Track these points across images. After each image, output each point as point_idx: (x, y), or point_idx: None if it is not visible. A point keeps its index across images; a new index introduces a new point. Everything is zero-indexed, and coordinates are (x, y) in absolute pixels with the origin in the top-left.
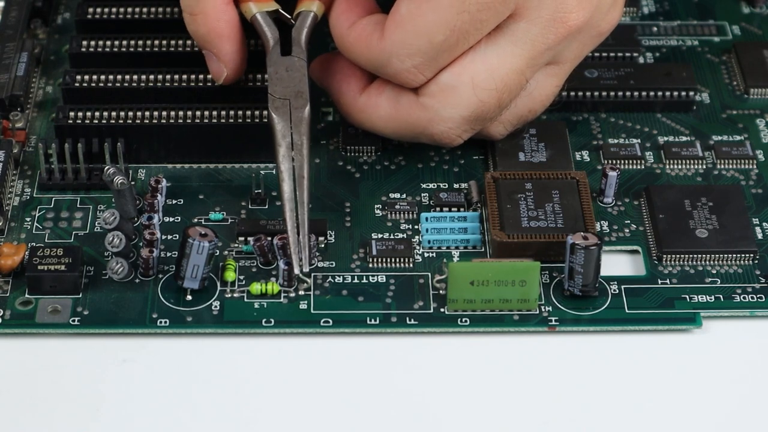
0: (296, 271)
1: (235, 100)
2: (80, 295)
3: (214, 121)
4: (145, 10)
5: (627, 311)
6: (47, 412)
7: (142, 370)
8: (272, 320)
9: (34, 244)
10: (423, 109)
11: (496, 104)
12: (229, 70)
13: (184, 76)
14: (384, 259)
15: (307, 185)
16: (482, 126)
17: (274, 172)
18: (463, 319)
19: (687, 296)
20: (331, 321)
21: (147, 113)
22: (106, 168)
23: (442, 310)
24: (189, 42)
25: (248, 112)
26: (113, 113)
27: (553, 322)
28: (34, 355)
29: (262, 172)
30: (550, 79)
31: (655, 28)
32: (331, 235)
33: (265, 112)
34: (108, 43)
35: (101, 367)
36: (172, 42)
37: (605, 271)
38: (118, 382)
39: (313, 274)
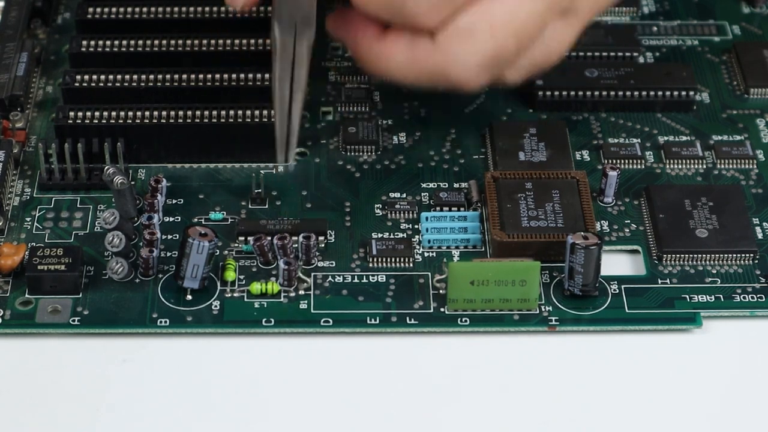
0: (279, 159)
1: (235, 100)
2: (80, 295)
3: (214, 120)
4: (145, 10)
5: (627, 311)
6: (47, 412)
7: (142, 370)
8: (272, 320)
9: (34, 244)
10: (441, 53)
11: (514, 48)
12: None
13: (184, 76)
14: (384, 259)
15: (302, 98)
16: (500, 71)
17: (273, 171)
18: (463, 319)
19: (687, 296)
20: (331, 321)
21: (147, 113)
22: (106, 168)
23: (442, 309)
24: (189, 42)
25: (248, 112)
26: (113, 113)
27: (553, 322)
28: (34, 355)
29: (262, 172)
30: (567, 29)
31: (655, 28)
32: (331, 235)
33: (265, 112)
34: (108, 43)
35: (101, 367)
36: (172, 42)
37: (605, 270)
38: (118, 382)
39: (313, 274)
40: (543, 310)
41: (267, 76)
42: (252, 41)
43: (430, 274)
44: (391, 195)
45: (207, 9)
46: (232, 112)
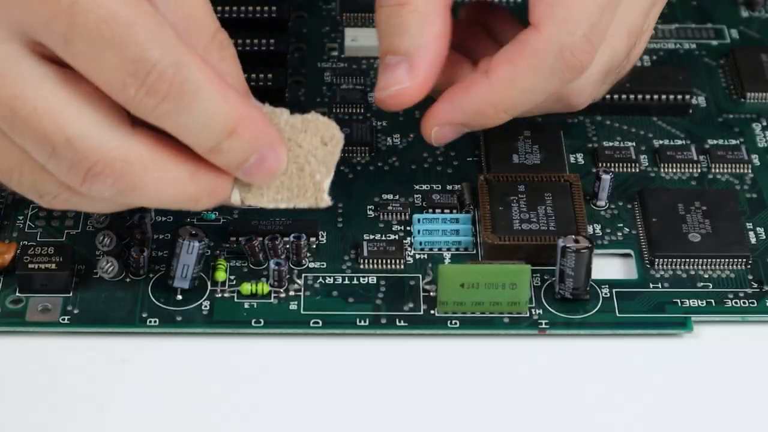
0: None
1: None
2: (71, 294)
3: None
4: None
5: (618, 315)
6: (36, 410)
7: (132, 370)
8: (262, 320)
9: (26, 242)
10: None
11: (625, 51)
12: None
13: None
14: (375, 261)
15: None
16: (616, 78)
17: None
18: (453, 322)
19: (678, 300)
20: (320, 322)
21: None
22: None
23: (432, 312)
24: None
25: None
26: None
27: (544, 326)
28: (23, 354)
29: None
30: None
31: (653, 31)
32: (322, 236)
33: None
34: None
35: (91, 366)
36: None
37: (597, 274)
38: (108, 381)
39: (303, 275)
40: (533, 313)
41: (262, 75)
42: (255, 41)
43: (420, 276)
44: (384, 196)
45: None
46: None
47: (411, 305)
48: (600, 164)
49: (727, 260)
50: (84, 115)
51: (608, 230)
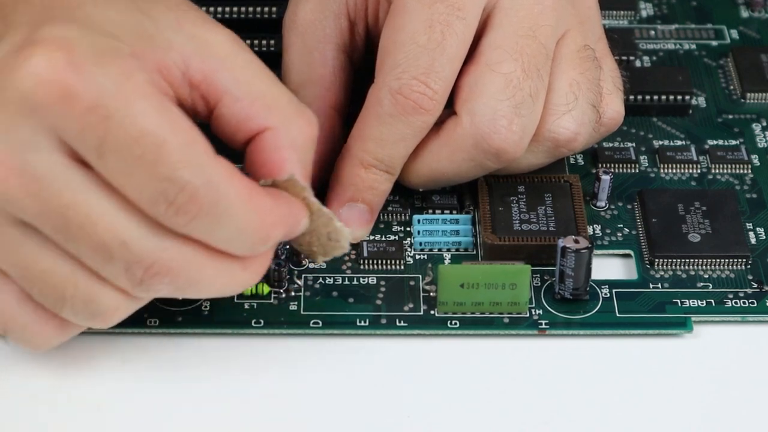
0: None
1: None
2: None
3: None
4: None
5: (618, 315)
6: (36, 410)
7: (132, 370)
8: (262, 321)
9: None
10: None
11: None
12: None
13: None
14: (375, 261)
15: None
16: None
17: None
18: (453, 322)
19: (678, 301)
20: (320, 322)
21: None
22: None
23: (432, 312)
24: None
25: None
26: None
27: (544, 326)
28: (23, 354)
29: None
30: None
31: (652, 32)
32: None
33: None
34: None
35: (91, 367)
36: None
37: (597, 274)
38: (107, 382)
39: (303, 276)
40: (533, 313)
41: None
42: (255, 41)
43: (420, 276)
44: None
45: (210, 9)
46: None
47: (411, 305)
48: (600, 165)
49: (727, 260)
50: (135, 217)
51: (608, 231)
